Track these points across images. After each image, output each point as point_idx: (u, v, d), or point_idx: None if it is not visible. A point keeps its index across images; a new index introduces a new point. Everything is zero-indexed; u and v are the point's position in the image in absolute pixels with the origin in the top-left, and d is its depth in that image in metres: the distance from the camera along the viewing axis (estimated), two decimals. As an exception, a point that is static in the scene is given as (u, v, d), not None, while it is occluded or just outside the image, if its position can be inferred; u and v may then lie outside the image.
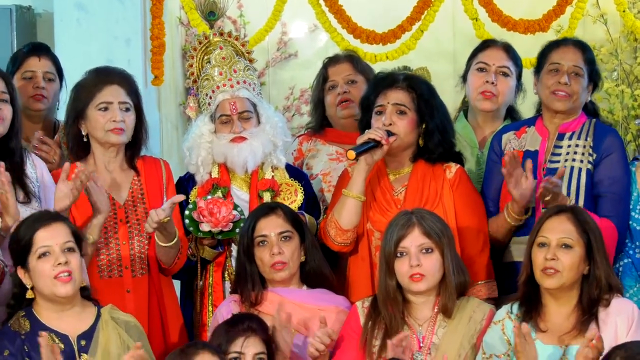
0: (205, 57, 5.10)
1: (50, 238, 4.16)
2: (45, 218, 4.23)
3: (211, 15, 5.23)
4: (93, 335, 4.20)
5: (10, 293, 4.28)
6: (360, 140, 4.65)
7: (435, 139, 4.76)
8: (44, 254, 4.15)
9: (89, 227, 4.60)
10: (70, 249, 4.19)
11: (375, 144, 4.64)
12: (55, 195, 4.52)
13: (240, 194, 4.96)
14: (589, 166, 4.80)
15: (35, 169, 4.71)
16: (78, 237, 4.26)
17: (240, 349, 4.19)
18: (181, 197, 4.68)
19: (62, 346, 4.16)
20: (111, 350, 4.15)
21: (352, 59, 5.57)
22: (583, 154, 4.81)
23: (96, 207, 4.60)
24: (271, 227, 4.58)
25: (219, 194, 4.87)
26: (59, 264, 4.13)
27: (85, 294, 4.29)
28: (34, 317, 4.20)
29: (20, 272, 4.19)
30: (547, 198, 4.57)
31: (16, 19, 6.80)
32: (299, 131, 5.90)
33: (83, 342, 4.19)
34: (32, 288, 4.19)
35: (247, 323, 4.26)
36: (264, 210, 4.64)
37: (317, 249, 4.68)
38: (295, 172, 5.08)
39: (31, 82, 5.34)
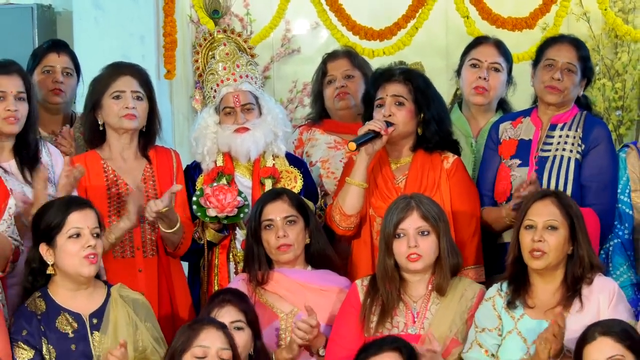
0: (210, 53, 5.09)
1: (83, 221, 4.15)
2: (79, 202, 4.23)
3: (215, 13, 5.26)
4: (104, 314, 4.17)
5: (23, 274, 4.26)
6: (361, 131, 4.63)
7: (432, 128, 4.74)
8: (75, 235, 4.13)
9: (113, 226, 4.58)
10: (97, 235, 4.18)
11: (375, 135, 4.62)
12: (58, 185, 4.51)
13: (244, 181, 4.95)
14: (578, 156, 4.79)
15: (51, 157, 4.70)
16: (102, 225, 4.26)
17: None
18: (178, 187, 4.67)
19: (76, 325, 4.15)
20: (121, 327, 4.12)
21: (349, 54, 5.57)
22: (573, 144, 4.80)
23: (131, 214, 4.57)
24: (277, 211, 4.55)
25: (224, 181, 4.86)
26: (89, 246, 4.12)
27: (97, 275, 4.27)
28: (49, 297, 4.18)
29: (43, 249, 4.16)
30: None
31: (37, 17, 6.81)
32: (301, 122, 5.88)
33: (95, 321, 4.17)
34: (53, 265, 4.16)
35: (222, 296, 4.29)
36: (271, 196, 4.62)
37: (321, 232, 4.66)
38: (295, 160, 5.07)
39: (50, 76, 5.30)
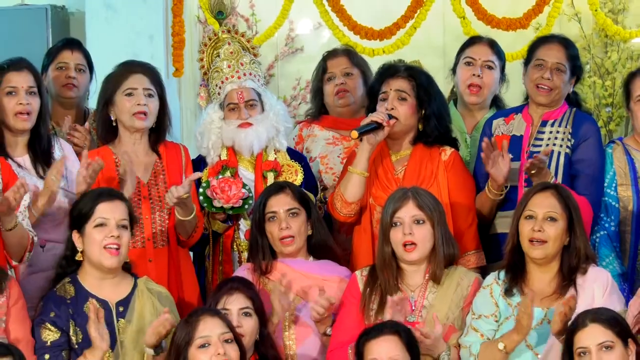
0: (215, 52, 5.12)
1: (110, 212, 4.19)
2: (109, 194, 4.27)
3: (220, 14, 5.26)
4: (130, 303, 4.21)
5: (58, 259, 4.30)
6: (364, 122, 4.65)
7: (432, 123, 4.76)
8: (100, 224, 4.17)
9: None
10: (124, 226, 4.21)
11: (377, 126, 4.64)
12: (76, 179, 4.52)
13: (247, 174, 4.97)
14: (567, 150, 4.81)
15: (63, 151, 4.71)
16: (132, 218, 4.29)
17: (224, 305, 4.20)
18: (198, 174, 4.70)
19: (103, 311, 4.15)
20: (145, 316, 4.16)
21: (348, 53, 5.58)
22: (563, 139, 4.83)
23: (122, 186, 4.59)
24: (280, 204, 4.57)
25: (228, 174, 4.89)
26: (112, 236, 4.15)
27: (126, 267, 4.32)
28: (78, 283, 4.22)
29: (75, 236, 4.21)
30: (533, 172, 4.58)
31: (51, 18, 6.83)
32: (303, 118, 5.88)
33: (121, 308, 4.21)
34: (82, 252, 4.21)
35: (230, 284, 4.30)
36: (274, 189, 4.64)
37: (322, 224, 4.68)
38: (295, 154, 5.10)
39: (64, 72, 5.33)
